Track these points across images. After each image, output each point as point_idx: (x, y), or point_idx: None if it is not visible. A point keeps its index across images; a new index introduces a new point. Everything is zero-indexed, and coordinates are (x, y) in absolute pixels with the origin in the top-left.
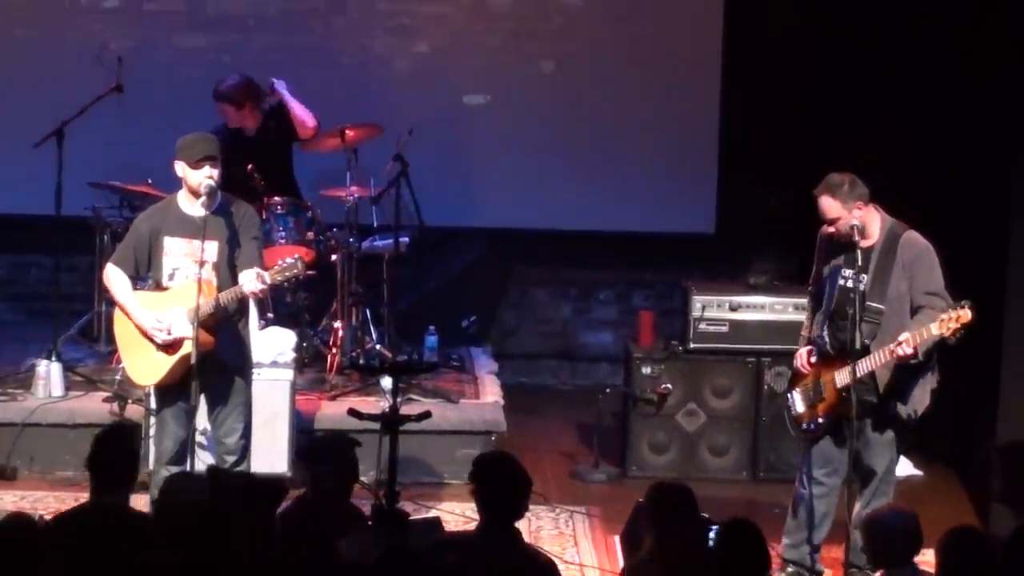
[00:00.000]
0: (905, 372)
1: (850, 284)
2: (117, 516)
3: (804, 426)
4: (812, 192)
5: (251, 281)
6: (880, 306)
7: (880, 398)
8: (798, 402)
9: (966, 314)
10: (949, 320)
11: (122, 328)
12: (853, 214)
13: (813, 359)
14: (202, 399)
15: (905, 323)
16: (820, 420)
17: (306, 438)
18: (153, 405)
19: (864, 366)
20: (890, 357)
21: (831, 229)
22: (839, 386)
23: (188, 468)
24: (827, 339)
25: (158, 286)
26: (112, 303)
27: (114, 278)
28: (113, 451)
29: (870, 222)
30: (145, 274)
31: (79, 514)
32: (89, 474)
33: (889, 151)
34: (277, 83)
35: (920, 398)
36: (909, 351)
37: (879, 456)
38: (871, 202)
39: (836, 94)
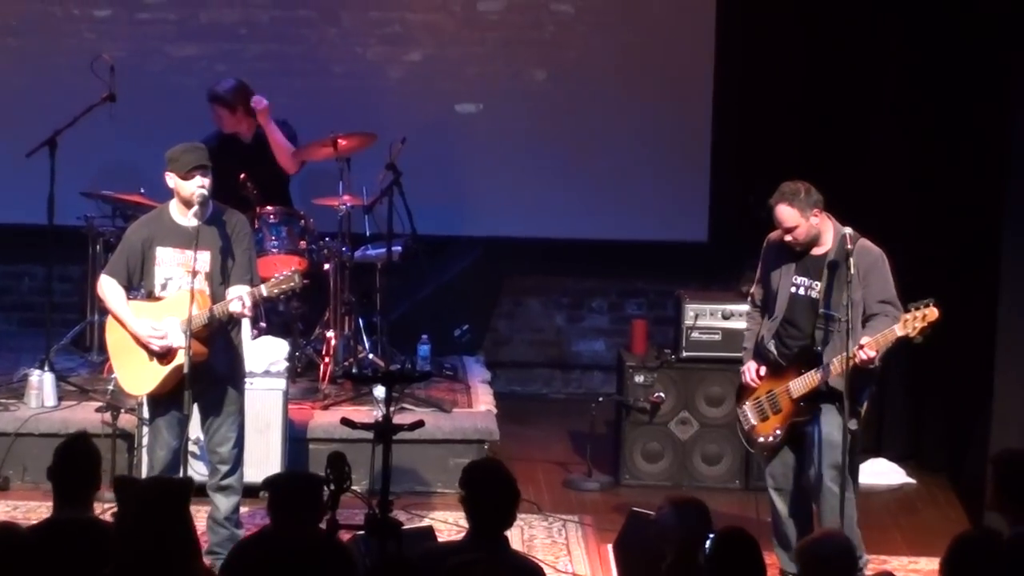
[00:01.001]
0: (856, 378)
1: (802, 292)
2: (78, 530)
3: (761, 440)
4: (768, 202)
5: (236, 302)
6: (834, 313)
7: (832, 409)
8: (750, 416)
9: (933, 312)
10: (914, 319)
11: (114, 337)
12: (810, 221)
13: (763, 372)
14: (195, 408)
15: (857, 330)
16: (779, 432)
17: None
18: (146, 415)
19: (823, 373)
20: (854, 362)
21: (788, 237)
22: (795, 396)
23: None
24: (774, 349)
25: (150, 296)
26: (105, 313)
27: (108, 288)
28: (74, 463)
29: (824, 230)
30: (138, 284)
31: (41, 529)
32: (52, 487)
33: (883, 159)
34: (259, 103)
35: (862, 406)
36: (872, 354)
37: (832, 468)
38: (825, 210)
39: (829, 101)
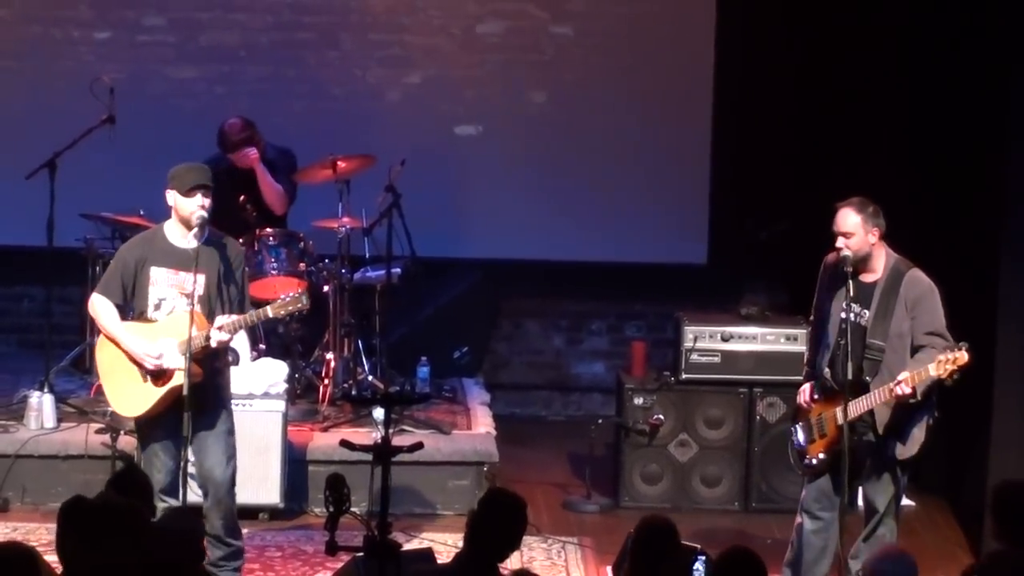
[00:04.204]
0: (904, 411)
1: (843, 315)
2: None
3: (805, 461)
4: (835, 204)
5: (216, 332)
6: (881, 343)
7: (878, 437)
8: (800, 436)
9: (963, 356)
10: (946, 362)
11: (105, 357)
12: (867, 238)
13: (816, 395)
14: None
15: (905, 361)
16: (821, 456)
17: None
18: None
19: (863, 403)
20: (889, 396)
21: (841, 242)
22: (839, 423)
23: (181, 499)
24: (829, 374)
25: (141, 316)
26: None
27: (100, 307)
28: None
29: (876, 256)
30: (131, 303)
31: None
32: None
33: (881, 183)
34: (244, 157)
35: (917, 436)
36: (908, 390)
37: (880, 494)
38: (883, 239)
39: (828, 125)
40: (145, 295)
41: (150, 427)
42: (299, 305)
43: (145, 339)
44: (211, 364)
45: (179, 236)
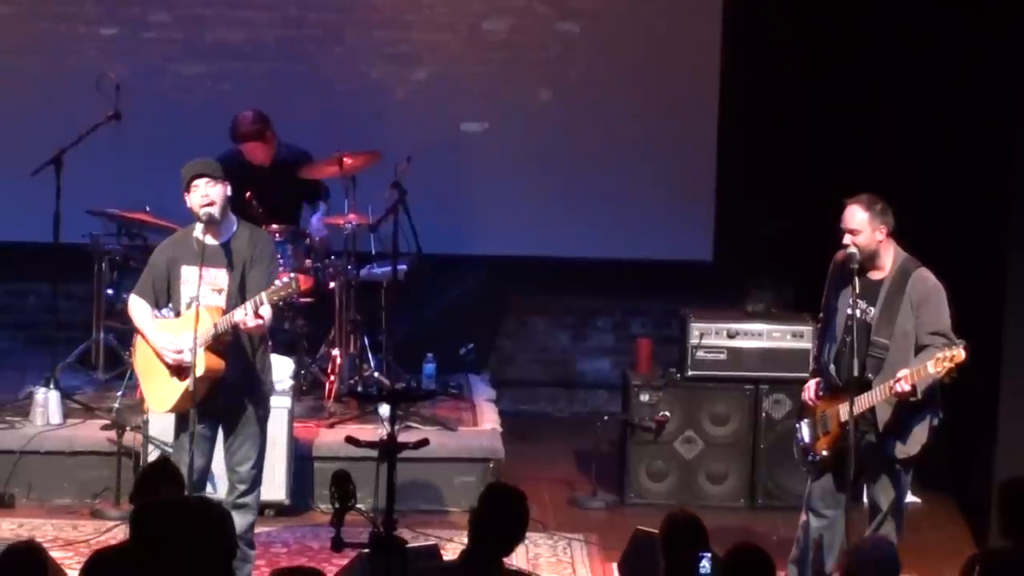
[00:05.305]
0: (906, 411)
1: (849, 312)
2: None
3: (809, 458)
4: (844, 199)
5: (239, 311)
6: (886, 341)
7: (880, 436)
8: (805, 433)
9: (960, 354)
10: (944, 359)
11: (141, 355)
12: (874, 235)
13: (821, 392)
14: (219, 426)
15: (909, 360)
16: (824, 453)
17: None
18: (152, 432)
19: (864, 401)
20: (889, 394)
21: (848, 239)
22: (842, 420)
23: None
24: (833, 370)
25: (179, 315)
26: (110, 330)
27: (134, 306)
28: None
29: (884, 253)
30: (164, 304)
31: None
32: None
33: (888, 181)
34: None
35: (919, 436)
36: (907, 388)
37: (882, 492)
38: (892, 236)
39: (835, 122)
40: (179, 294)
41: (181, 421)
42: (289, 290)
43: (170, 335)
44: (240, 358)
45: (206, 234)
